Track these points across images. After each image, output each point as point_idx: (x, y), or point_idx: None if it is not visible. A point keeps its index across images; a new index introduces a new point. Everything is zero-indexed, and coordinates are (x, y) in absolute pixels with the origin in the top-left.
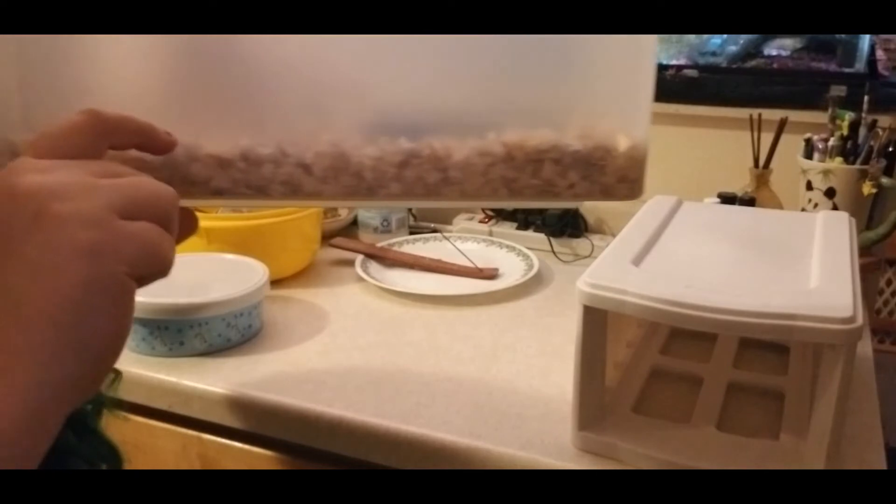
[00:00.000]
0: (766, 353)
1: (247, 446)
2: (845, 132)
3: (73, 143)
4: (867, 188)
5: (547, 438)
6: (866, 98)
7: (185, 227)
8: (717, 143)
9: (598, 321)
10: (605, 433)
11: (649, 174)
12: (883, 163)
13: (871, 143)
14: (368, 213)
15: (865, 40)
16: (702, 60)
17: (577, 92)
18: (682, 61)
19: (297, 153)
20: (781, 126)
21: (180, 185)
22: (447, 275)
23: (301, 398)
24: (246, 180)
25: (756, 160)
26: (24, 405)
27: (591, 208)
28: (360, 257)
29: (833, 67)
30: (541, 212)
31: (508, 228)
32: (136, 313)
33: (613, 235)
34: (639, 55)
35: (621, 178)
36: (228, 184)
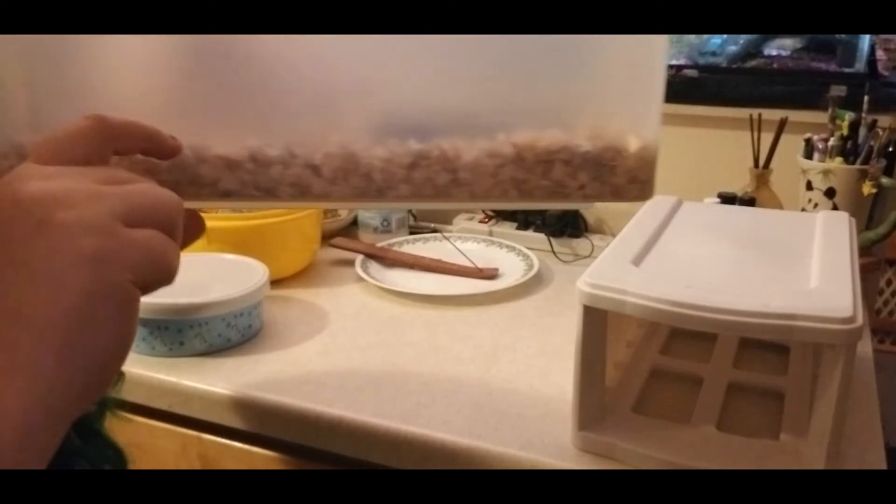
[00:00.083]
0: (766, 353)
1: (247, 446)
2: (845, 132)
3: (78, 149)
4: (867, 188)
5: (547, 438)
6: (866, 98)
7: (193, 229)
8: (717, 143)
9: (598, 321)
10: (605, 433)
11: None
12: (883, 163)
13: (871, 143)
14: (368, 213)
15: (865, 40)
16: (702, 60)
17: (588, 92)
18: (682, 61)
19: (305, 154)
20: (781, 126)
21: (188, 187)
22: (447, 275)
23: (301, 398)
24: (254, 182)
25: (756, 160)
26: (27, 414)
27: (592, 208)
28: (360, 257)
29: (833, 67)
30: (541, 212)
31: (508, 228)
32: None
33: (613, 235)
34: (649, 55)
35: (632, 178)
36: (237, 185)
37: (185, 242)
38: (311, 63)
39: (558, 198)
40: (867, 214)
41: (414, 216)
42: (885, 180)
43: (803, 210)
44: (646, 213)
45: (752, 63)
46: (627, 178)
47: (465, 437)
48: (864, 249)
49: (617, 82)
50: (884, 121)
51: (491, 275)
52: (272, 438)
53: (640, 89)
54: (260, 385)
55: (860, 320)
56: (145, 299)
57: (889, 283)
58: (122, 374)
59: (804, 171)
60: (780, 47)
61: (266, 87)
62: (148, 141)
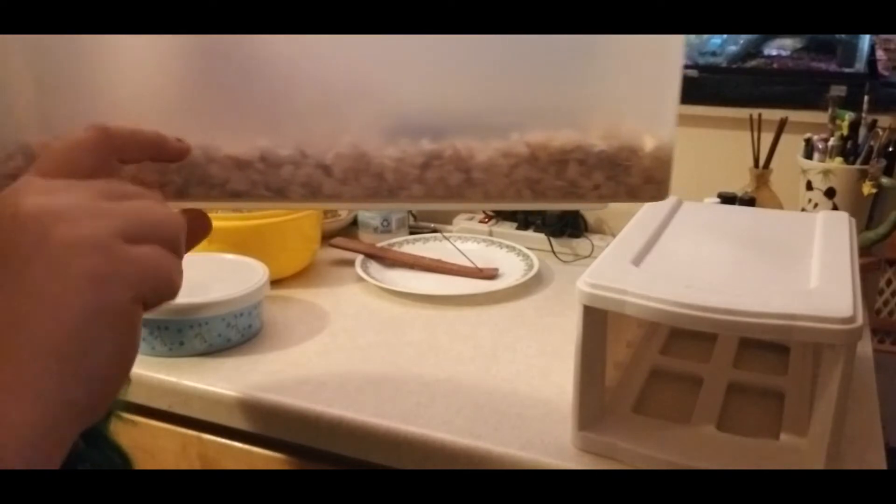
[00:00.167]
0: (766, 353)
1: (247, 446)
2: (845, 132)
3: (80, 162)
4: (867, 188)
5: (547, 438)
6: (866, 98)
7: (200, 229)
8: (717, 143)
9: (598, 321)
10: (605, 433)
11: None
12: (883, 163)
13: (871, 143)
14: (368, 213)
15: (865, 40)
16: (702, 60)
17: (602, 91)
18: None
19: (316, 154)
20: (781, 126)
21: (197, 187)
22: (447, 275)
23: (301, 398)
24: (265, 182)
25: (756, 160)
26: (33, 428)
27: (605, 209)
28: (360, 257)
29: (833, 67)
30: (541, 212)
31: (508, 228)
32: None
33: (613, 235)
34: (664, 54)
35: (647, 179)
36: (246, 185)
37: (193, 243)
38: (322, 62)
39: (573, 198)
40: (867, 214)
41: (414, 216)
42: (885, 180)
43: (803, 210)
44: (646, 213)
45: (752, 63)
46: (643, 178)
47: (465, 437)
48: (864, 249)
49: (632, 81)
50: (884, 121)
51: (491, 275)
52: (272, 438)
53: (656, 88)
54: (260, 385)
55: (860, 320)
56: None
57: (889, 283)
58: (128, 378)
59: (804, 171)
60: (780, 47)
61: (276, 87)
62: (153, 148)
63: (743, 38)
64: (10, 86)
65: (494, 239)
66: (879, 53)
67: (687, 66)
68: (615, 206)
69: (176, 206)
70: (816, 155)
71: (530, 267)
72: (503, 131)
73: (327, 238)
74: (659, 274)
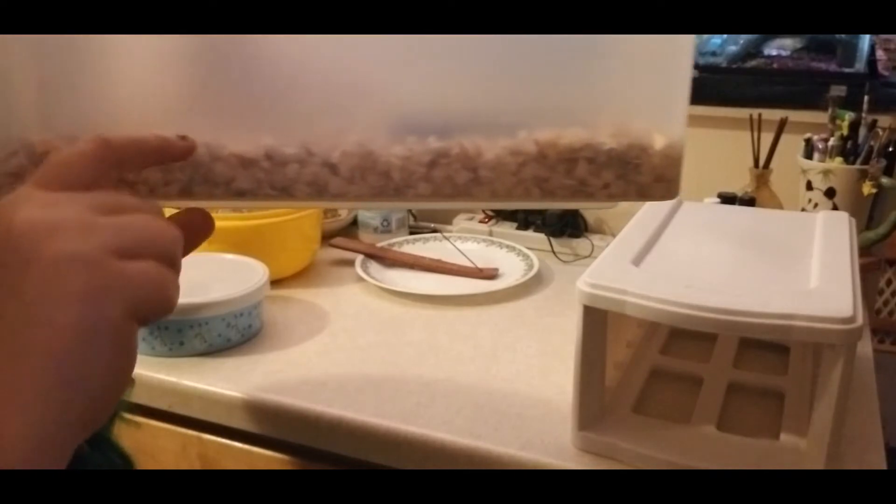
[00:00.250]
0: (766, 353)
1: (247, 446)
2: (845, 132)
3: (79, 174)
4: (867, 188)
5: (547, 438)
6: (866, 98)
7: (202, 228)
8: (717, 143)
9: (598, 321)
10: (605, 433)
11: None
12: (883, 163)
13: (871, 143)
14: (368, 212)
15: (865, 40)
16: (702, 60)
17: (612, 89)
18: None
19: (322, 152)
20: (781, 126)
21: (202, 186)
22: (447, 275)
23: (301, 398)
24: (270, 181)
25: (756, 160)
26: (27, 441)
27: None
28: (360, 257)
29: (833, 67)
30: (541, 212)
31: (508, 228)
32: None
33: (613, 235)
34: (675, 52)
35: (657, 177)
36: (252, 184)
37: (196, 243)
38: (328, 60)
39: (582, 197)
40: (867, 214)
41: (414, 216)
42: (885, 180)
43: (803, 210)
44: (646, 213)
45: (752, 63)
46: (653, 177)
47: (465, 437)
48: (864, 249)
49: (641, 78)
50: (884, 121)
51: (491, 275)
52: (272, 438)
53: (666, 86)
54: (260, 385)
55: (860, 320)
56: None
57: (889, 283)
58: (132, 380)
59: (804, 171)
60: (780, 47)
61: (282, 85)
62: (157, 153)
63: (743, 38)
64: (13, 83)
65: (494, 239)
66: (879, 53)
67: None
68: (616, 206)
69: (180, 206)
70: (816, 155)
71: (530, 267)
72: (511, 129)
73: (327, 238)
74: (659, 274)
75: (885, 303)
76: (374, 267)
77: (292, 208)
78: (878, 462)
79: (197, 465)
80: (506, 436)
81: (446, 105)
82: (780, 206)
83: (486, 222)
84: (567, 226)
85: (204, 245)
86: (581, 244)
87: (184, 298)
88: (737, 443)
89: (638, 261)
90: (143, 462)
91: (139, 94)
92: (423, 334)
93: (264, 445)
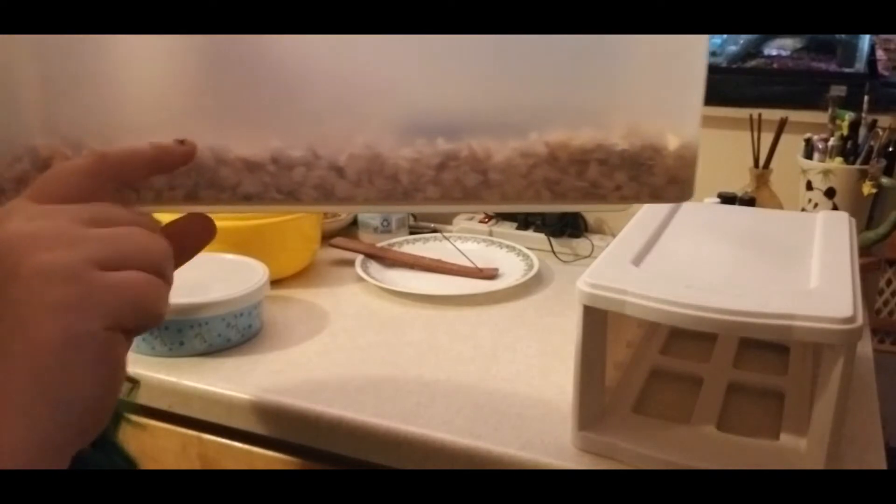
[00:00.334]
0: (766, 353)
1: (247, 446)
2: (845, 132)
3: (73, 187)
4: (867, 188)
5: (547, 438)
6: (866, 98)
7: (204, 232)
8: (717, 143)
9: (598, 321)
10: (605, 433)
11: None
12: (883, 163)
13: (871, 143)
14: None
15: (865, 40)
16: None
17: (624, 89)
18: None
19: (329, 155)
20: (781, 126)
21: (207, 190)
22: (447, 275)
23: (301, 398)
24: (276, 184)
25: (756, 160)
26: (14, 455)
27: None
28: (360, 257)
29: (833, 67)
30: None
31: (508, 228)
32: None
33: (613, 235)
34: (689, 51)
35: (671, 179)
36: (258, 188)
37: (198, 247)
38: (334, 61)
39: (594, 199)
40: (867, 214)
41: (414, 216)
42: (885, 180)
43: (803, 210)
44: (646, 213)
45: (752, 63)
46: (666, 179)
47: (465, 437)
48: (864, 249)
49: (654, 78)
50: (884, 121)
51: (491, 275)
52: (272, 438)
53: (679, 85)
54: (260, 385)
55: (860, 320)
56: None
57: (889, 283)
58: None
59: (804, 171)
60: (780, 47)
61: (288, 86)
62: (154, 163)
63: (743, 38)
64: (17, 88)
65: (494, 239)
66: (879, 53)
67: None
68: (628, 209)
69: (186, 211)
70: (816, 155)
71: (530, 267)
72: (521, 130)
73: (327, 238)
74: (659, 274)
75: (885, 303)
76: (374, 267)
77: (299, 212)
78: (878, 462)
79: (197, 465)
80: (506, 436)
81: (455, 105)
82: (780, 206)
83: (486, 222)
84: (567, 226)
85: None
86: (581, 244)
87: (184, 298)
88: (737, 443)
89: (638, 261)
90: (144, 462)
91: (143, 97)
92: (423, 334)
93: (264, 445)
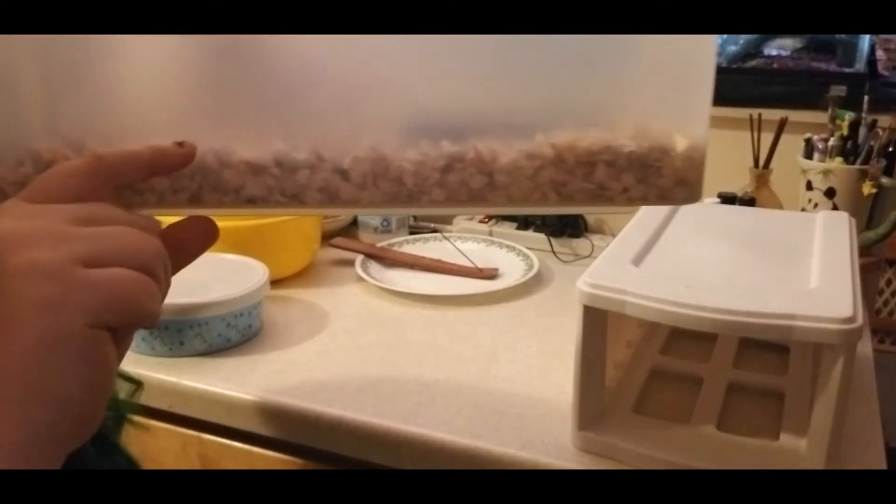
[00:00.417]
0: (766, 353)
1: (247, 446)
2: (845, 132)
3: (66, 187)
4: (867, 188)
5: (547, 438)
6: (866, 98)
7: (204, 237)
8: (717, 143)
9: (598, 321)
10: (605, 433)
11: None
12: (883, 163)
13: (871, 143)
14: None
15: (865, 40)
16: None
17: (631, 89)
18: None
19: (333, 158)
20: (781, 126)
21: (211, 194)
22: (447, 275)
23: (301, 398)
24: (280, 187)
25: (756, 160)
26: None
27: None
28: (360, 257)
29: (833, 67)
30: None
31: (508, 228)
32: None
33: (613, 235)
34: (697, 50)
35: (679, 180)
36: (262, 191)
37: (200, 249)
38: (338, 61)
39: (601, 201)
40: (867, 214)
41: (414, 216)
42: (885, 180)
43: (803, 210)
44: (646, 213)
45: (752, 63)
46: (674, 180)
47: (465, 437)
48: (864, 249)
49: (662, 78)
50: (884, 121)
51: (491, 275)
52: (272, 438)
53: (687, 85)
54: (260, 385)
55: (860, 320)
56: None
57: (889, 283)
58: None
59: (804, 171)
60: (780, 47)
61: (292, 88)
62: (152, 165)
63: (743, 38)
64: (19, 92)
65: (494, 239)
66: (879, 53)
67: None
68: (636, 211)
69: (189, 214)
70: (816, 155)
71: (530, 267)
72: (527, 132)
73: (327, 238)
74: (659, 274)
75: (885, 303)
76: (374, 267)
77: (304, 215)
78: (878, 462)
79: (197, 465)
80: (506, 436)
81: (460, 107)
82: (780, 206)
83: (485, 222)
84: (567, 226)
85: None
86: (581, 244)
87: (184, 298)
88: (737, 443)
89: (638, 261)
90: (144, 462)
91: (146, 99)
92: (423, 334)
93: (264, 445)
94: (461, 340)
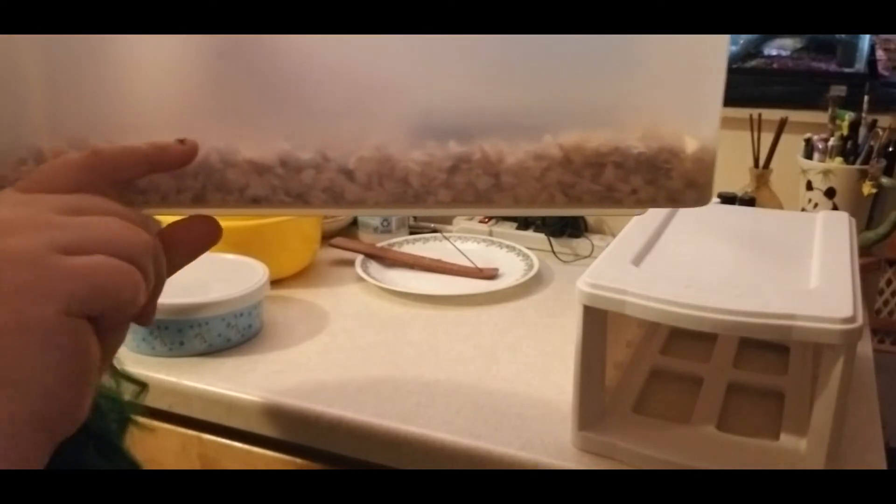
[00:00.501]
0: (766, 353)
1: (247, 446)
2: (845, 132)
3: (61, 179)
4: (867, 188)
5: (547, 438)
6: (866, 98)
7: (209, 234)
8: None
9: (598, 321)
10: (605, 433)
11: None
12: (883, 163)
13: (871, 143)
14: None
15: (865, 40)
16: None
17: (641, 89)
18: None
19: (339, 158)
20: (781, 126)
21: (215, 193)
22: (447, 275)
23: (301, 398)
24: (285, 187)
25: (756, 160)
26: None
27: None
28: (360, 257)
29: (833, 67)
30: None
31: (508, 228)
32: None
33: (613, 235)
34: (708, 51)
35: (689, 182)
36: (266, 191)
37: (202, 248)
38: (343, 61)
39: (609, 203)
40: (867, 214)
41: (414, 216)
42: (885, 180)
43: (803, 210)
44: (646, 213)
45: (752, 63)
46: (684, 182)
47: (465, 437)
48: (864, 249)
49: (672, 79)
50: (884, 121)
51: (491, 275)
52: (272, 438)
53: (698, 86)
54: (260, 385)
55: (860, 320)
56: None
57: (889, 283)
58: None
59: (804, 171)
60: (780, 47)
61: (297, 88)
62: (150, 161)
63: (743, 38)
64: (22, 90)
65: (494, 239)
66: (879, 53)
67: None
68: (644, 213)
69: (193, 213)
70: (816, 155)
71: (530, 267)
72: (535, 132)
73: (327, 238)
74: (659, 274)
75: (885, 303)
76: (374, 267)
77: (308, 215)
78: (878, 462)
79: (197, 465)
80: (506, 436)
81: (466, 106)
82: (780, 206)
83: (485, 222)
84: (567, 226)
85: None
86: (581, 244)
87: (184, 298)
88: (737, 443)
89: (638, 261)
90: (145, 463)
91: (149, 98)
92: (423, 334)
93: (264, 445)
94: (461, 340)
